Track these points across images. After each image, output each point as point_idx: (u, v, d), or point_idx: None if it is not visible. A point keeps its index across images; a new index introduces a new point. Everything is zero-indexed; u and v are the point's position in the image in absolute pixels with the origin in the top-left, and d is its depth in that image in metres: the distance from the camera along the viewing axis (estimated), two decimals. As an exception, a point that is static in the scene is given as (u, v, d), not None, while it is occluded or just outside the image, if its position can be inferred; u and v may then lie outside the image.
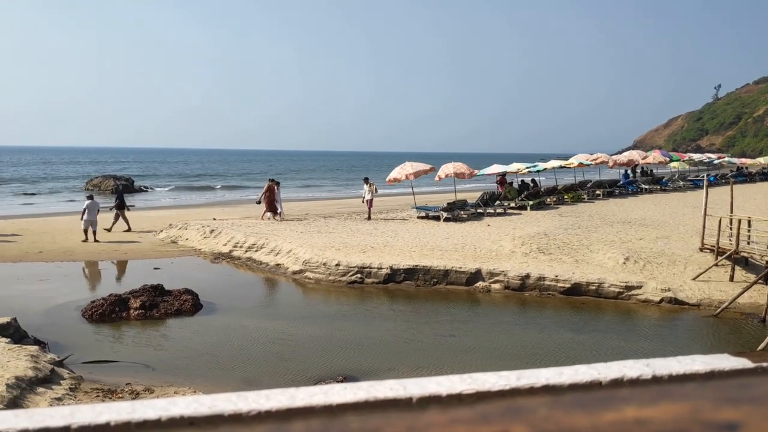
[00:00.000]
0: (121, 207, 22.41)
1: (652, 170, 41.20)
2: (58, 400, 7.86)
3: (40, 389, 8.00)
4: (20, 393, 7.58)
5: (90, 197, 21.17)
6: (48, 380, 8.31)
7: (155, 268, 16.59)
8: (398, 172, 23.67)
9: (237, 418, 0.58)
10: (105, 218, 21.96)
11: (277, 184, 23.77)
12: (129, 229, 22.09)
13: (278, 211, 23.23)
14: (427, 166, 24.05)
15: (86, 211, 20.14)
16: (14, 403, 7.28)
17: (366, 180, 24.00)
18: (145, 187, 52.01)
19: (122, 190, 24.55)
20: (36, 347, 9.42)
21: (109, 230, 21.49)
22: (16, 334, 10.14)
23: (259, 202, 23.90)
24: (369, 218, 22.85)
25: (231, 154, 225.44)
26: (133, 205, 27.06)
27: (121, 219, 22.32)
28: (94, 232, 20.36)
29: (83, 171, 77.37)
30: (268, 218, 22.96)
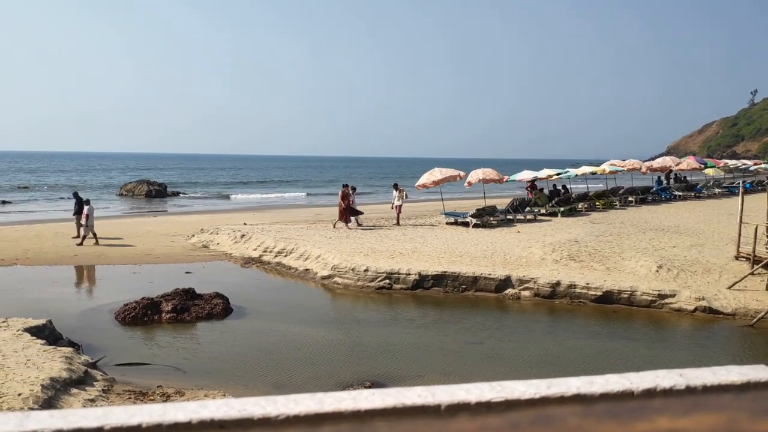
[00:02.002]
0: (80, 213, 21.29)
1: (685, 177, 40.54)
2: (91, 401, 7.98)
3: (74, 390, 8.14)
4: (55, 394, 7.73)
5: (87, 201, 21.17)
6: (81, 382, 8.45)
7: (187, 272, 16.80)
8: (427, 177, 23.61)
9: (266, 422, 0.59)
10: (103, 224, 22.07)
11: (353, 189, 22.80)
12: (84, 236, 20.68)
13: (356, 217, 22.29)
14: (456, 172, 23.96)
15: (88, 216, 20.33)
16: (49, 404, 7.41)
17: (395, 186, 23.99)
18: (177, 191, 52.75)
19: (79, 196, 22.50)
20: (70, 349, 9.60)
21: (78, 236, 21.03)
22: (51, 336, 10.35)
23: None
24: (398, 224, 22.85)
25: (239, 160, 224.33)
26: (165, 210, 27.34)
27: (79, 225, 21.21)
28: (95, 235, 20.49)
29: (115, 176, 78.86)
30: (351, 227, 21.84)
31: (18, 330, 9.95)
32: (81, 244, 20.24)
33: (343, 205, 21.78)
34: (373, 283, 15.08)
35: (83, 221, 20.39)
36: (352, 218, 22.01)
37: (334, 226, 21.99)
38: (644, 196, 32.36)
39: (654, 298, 13.46)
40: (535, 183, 28.84)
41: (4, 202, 41.54)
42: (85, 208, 20.53)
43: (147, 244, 20.63)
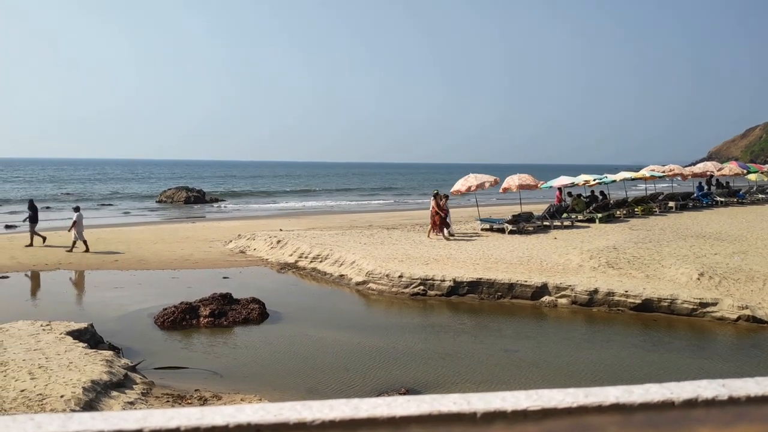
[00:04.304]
0: (33, 221, 21.58)
1: (728, 182, 39.55)
2: (131, 404, 8.12)
3: (114, 393, 8.29)
4: (95, 396, 7.88)
5: (77, 209, 21.41)
6: (121, 384, 8.61)
7: (224, 277, 17.02)
8: (462, 183, 23.47)
9: (302, 427, 0.59)
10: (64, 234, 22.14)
11: (445, 197, 21.66)
12: (74, 243, 20.63)
13: (447, 226, 21.12)
14: (491, 178, 23.76)
15: (76, 223, 20.47)
16: (90, 406, 7.57)
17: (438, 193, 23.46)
18: (215, 198, 53.51)
19: (35, 204, 22.60)
20: (111, 352, 9.80)
21: (30, 245, 21.06)
22: (92, 339, 10.57)
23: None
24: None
25: (235, 166, 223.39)
26: (204, 216, 27.54)
27: (33, 233, 21.42)
28: (85, 242, 20.57)
29: (148, 183, 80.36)
30: (442, 236, 20.71)
31: (61, 333, 10.20)
32: (71, 250, 20.35)
33: (436, 214, 20.84)
34: (407, 290, 15.06)
35: (72, 228, 20.50)
36: (440, 228, 20.98)
37: (430, 235, 20.95)
38: (685, 202, 31.69)
39: (695, 307, 13.16)
40: (562, 189, 28.26)
41: (47, 208, 42.66)
42: (75, 215, 20.71)
43: (186, 250, 20.95)
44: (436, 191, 22.02)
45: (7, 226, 29.63)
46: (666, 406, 0.63)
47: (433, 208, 21.07)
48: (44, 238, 21.58)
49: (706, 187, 35.75)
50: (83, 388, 7.85)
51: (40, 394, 7.59)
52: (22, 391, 7.66)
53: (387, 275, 15.53)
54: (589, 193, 28.71)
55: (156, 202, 49.87)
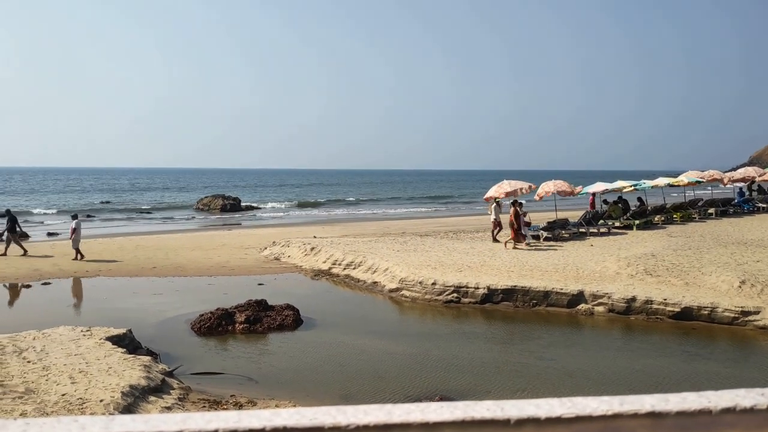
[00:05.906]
0: (12, 230, 21.57)
1: (771, 188, 38.53)
2: (168, 408, 8.23)
3: (152, 398, 8.42)
4: (134, 401, 8.01)
5: (75, 216, 21.62)
6: (159, 390, 8.74)
7: (259, 284, 17.18)
8: (495, 190, 23.28)
9: (336, 431, 0.60)
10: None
11: (520, 205, 21.00)
12: (25, 253, 20.91)
13: (524, 236, 20.60)
14: (525, 184, 23.49)
15: (76, 230, 20.62)
16: (128, 410, 7.69)
17: (498, 202, 22.71)
18: (252, 205, 54.16)
19: (12, 212, 22.62)
20: (148, 358, 9.96)
21: (4, 254, 20.95)
22: (130, 344, 10.77)
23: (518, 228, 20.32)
24: (493, 239, 21.90)
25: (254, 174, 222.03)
26: (240, 224, 27.67)
27: (14, 243, 21.40)
28: (78, 250, 20.62)
29: (182, 192, 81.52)
30: (520, 246, 20.16)
31: (100, 339, 10.41)
32: (76, 258, 20.45)
33: (516, 224, 20.24)
34: (441, 297, 15.00)
35: (71, 236, 20.70)
36: (517, 238, 20.34)
37: (506, 246, 20.28)
38: (725, 208, 31.00)
39: (736, 315, 12.84)
40: (596, 194, 27.72)
41: (89, 216, 43.62)
42: (73, 222, 20.93)
43: (222, 257, 21.22)
44: (514, 199, 21.54)
45: (49, 234, 30.42)
46: (703, 414, 0.62)
47: (511, 216, 20.52)
48: (25, 251, 21.35)
49: (747, 193, 34.91)
50: (122, 392, 7.99)
51: (81, 398, 7.75)
52: (63, 395, 7.84)
53: (420, 282, 15.50)
54: (618, 199, 28.21)
55: (193, 209, 50.63)
